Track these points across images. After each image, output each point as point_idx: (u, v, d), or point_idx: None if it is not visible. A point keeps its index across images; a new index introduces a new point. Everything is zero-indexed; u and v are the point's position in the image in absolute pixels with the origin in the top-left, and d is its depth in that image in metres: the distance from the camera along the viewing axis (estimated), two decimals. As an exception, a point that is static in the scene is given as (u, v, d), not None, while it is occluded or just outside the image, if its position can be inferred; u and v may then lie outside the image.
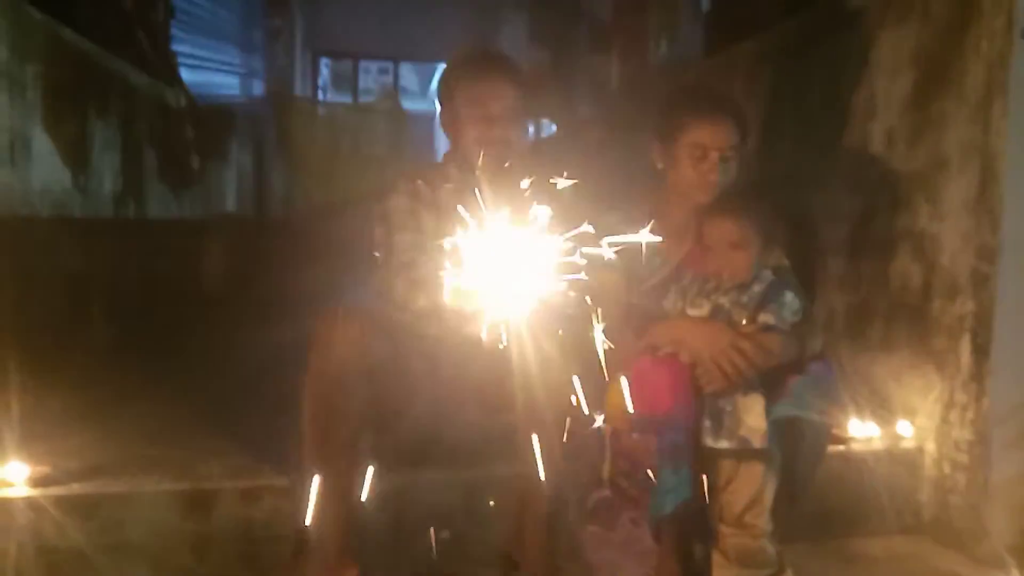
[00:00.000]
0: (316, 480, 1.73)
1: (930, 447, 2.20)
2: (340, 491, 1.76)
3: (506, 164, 1.90)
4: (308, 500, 1.74)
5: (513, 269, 1.35)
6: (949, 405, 2.14)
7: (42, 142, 2.67)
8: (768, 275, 1.82)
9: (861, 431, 2.22)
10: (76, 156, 2.92)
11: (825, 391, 1.77)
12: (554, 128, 8.46)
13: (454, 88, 1.95)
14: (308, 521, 1.74)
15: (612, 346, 1.42)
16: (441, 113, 2.02)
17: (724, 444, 1.71)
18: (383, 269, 1.88)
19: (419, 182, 1.97)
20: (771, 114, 3.00)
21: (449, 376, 1.95)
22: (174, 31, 4.88)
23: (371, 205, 1.99)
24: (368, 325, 1.77)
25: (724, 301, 1.80)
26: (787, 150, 2.88)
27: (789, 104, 2.89)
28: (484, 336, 1.36)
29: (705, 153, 1.85)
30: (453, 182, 1.98)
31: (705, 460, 1.74)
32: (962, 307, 2.10)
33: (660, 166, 1.95)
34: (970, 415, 2.08)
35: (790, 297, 1.78)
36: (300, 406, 1.74)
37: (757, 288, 1.79)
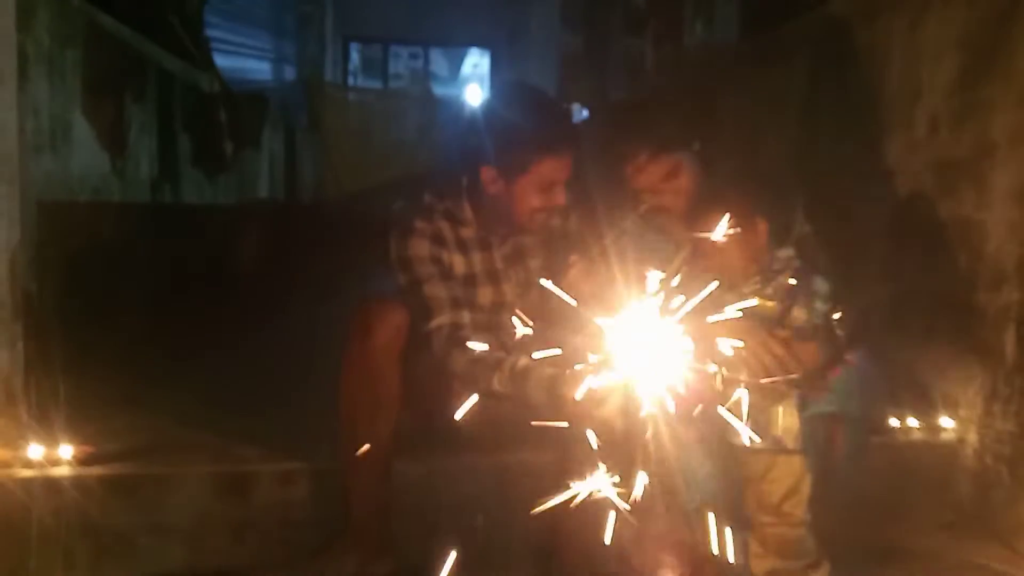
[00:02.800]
0: (355, 465, 1.75)
1: (972, 439, 2.16)
2: (378, 476, 1.77)
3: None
4: (347, 485, 1.76)
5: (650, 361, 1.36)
6: (992, 397, 2.10)
7: (81, 128, 2.71)
8: (789, 257, 1.73)
9: (901, 422, 2.19)
10: (114, 141, 2.96)
11: (865, 385, 1.73)
12: (585, 113, 8.40)
13: (528, 158, 1.76)
14: (347, 506, 1.77)
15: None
16: (489, 168, 1.80)
17: (758, 443, 1.68)
18: (425, 324, 1.76)
19: (440, 222, 1.87)
20: (810, 99, 2.95)
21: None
22: (207, 17, 4.91)
23: (388, 237, 1.84)
24: (406, 313, 1.77)
25: (748, 292, 1.74)
26: (828, 136, 2.83)
27: (829, 88, 2.84)
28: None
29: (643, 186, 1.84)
30: (473, 227, 1.90)
31: (741, 451, 1.72)
32: (1008, 297, 2.05)
33: None
34: (1014, 407, 2.04)
35: (819, 282, 1.69)
36: (338, 392, 1.76)
37: (781, 276, 1.70)
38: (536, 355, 1.65)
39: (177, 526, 1.84)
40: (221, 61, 4.99)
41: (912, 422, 2.20)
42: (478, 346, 1.73)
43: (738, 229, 1.69)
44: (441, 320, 1.75)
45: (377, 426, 1.75)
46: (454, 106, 9.38)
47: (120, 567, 1.82)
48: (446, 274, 1.84)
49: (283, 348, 3.17)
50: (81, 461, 1.87)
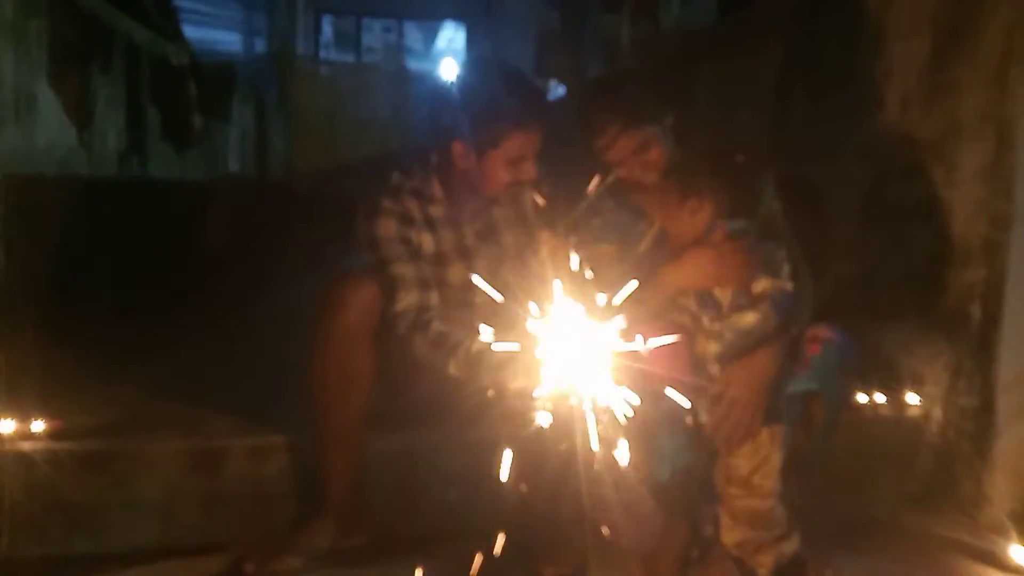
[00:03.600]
0: (327, 440, 1.75)
1: (936, 414, 2.21)
2: (351, 451, 1.78)
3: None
4: (320, 460, 1.76)
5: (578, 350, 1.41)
6: (957, 373, 2.15)
7: (47, 99, 2.65)
8: (738, 228, 1.73)
9: (868, 398, 2.23)
10: (80, 113, 2.90)
11: (844, 364, 1.75)
12: (561, 90, 8.36)
13: (499, 133, 1.77)
14: (322, 480, 1.77)
15: None
16: (459, 143, 1.79)
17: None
18: (392, 305, 1.76)
19: (408, 201, 1.86)
20: (784, 78, 2.97)
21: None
22: (176, -14, 4.82)
23: (358, 214, 1.84)
24: (378, 289, 1.77)
25: None
26: (800, 115, 2.85)
27: (803, 68, 2.86)
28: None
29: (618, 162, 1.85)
30: (442, 204, 1.89)
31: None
32: (973, 275, 2.10)
33: None
34: (977, 382, 2.09)
35: (772, 247, 1.71)
36: (309, 368, 1.75)
37: None
38: (490, 341, 1.67)
39: (149, 501, 1.83)
40: (190, 32, 4.91)
41: (879, 398, 2.24)
42: (441, 327, 1.74)
43: (688, 204, 1.71)
44: (407, 303, 1.75)
45: (347, 402, 1.75)
46: (428, 81, 9.29)
47: (92, 542, 1.81)
48: (415, 254, 1.83)
49: (255, 323, 3.15)
50: (52, 436, 1.84)
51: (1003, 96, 2.01)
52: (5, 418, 1.86)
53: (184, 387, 2.29)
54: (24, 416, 1.87)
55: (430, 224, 1.88)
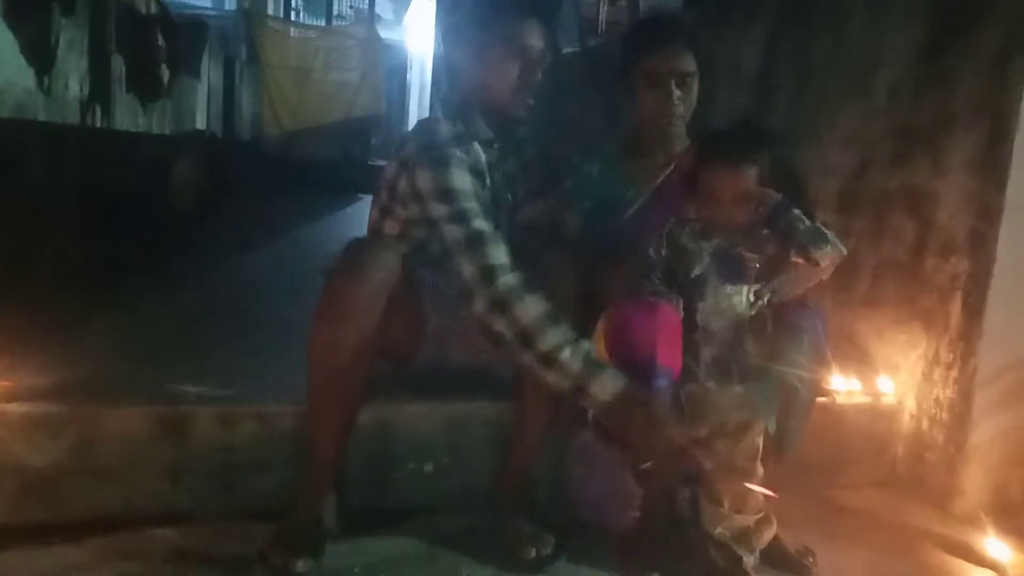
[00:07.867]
0: (325, 408, 1.67)
1: (910, 404, 2.22)
2: (348, 420, 1.71)
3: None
4: (314, 427, 1.69)
5: None
6: (933, 363, 2.15)
7: (2, 37, 2.49)
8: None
9: (843, 385, 2.23)
10: (39, 55, 2.73)
11: (815, 348, 1.72)
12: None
13: (513, 33, 1.77)
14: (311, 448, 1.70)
15: None
16: (472, 60, 1.80)
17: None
18: (474, 273, 1.60)
19: (476, 152, 1.78)
20: (767, 63, 2.93)
21: (444, 314, 1.88)
22: (143, -67, 4.61)
23: (416, 166, 1.69)
24: (402, 255, 1.68)
25: (725, 243, 1.72)
26: (784, 100, 2.82)
27: (787, 52, 2.82)
28: None
29: (659, 80, 1.87)
30: (487, 141, 1.84)
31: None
32: (956, 266, 2.09)
33: (627, 99, 1.96)
34: (954, 374, 2.09)
35: (797, 213, 1.66)
36: (316, 333, 1.62)
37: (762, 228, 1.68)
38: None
39: (109, 467, 1.73)
40: (159, -16, 4.71)
41: (854, 384, 2.24)
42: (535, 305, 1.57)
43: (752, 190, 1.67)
44: (505, 279, 1.58)
45: (354, 370, 1.64)
46: (398, 50, 9.09)
47: (47, 510, 1.70)
48: (488, 213, 1.68)
49: (218, 281, 3.05)
50: (3, 397, 1.73)
51: (1001, 88, 1.98)
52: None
53: (147, 348, 2.19)
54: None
55: (485, 175, 1.81)
